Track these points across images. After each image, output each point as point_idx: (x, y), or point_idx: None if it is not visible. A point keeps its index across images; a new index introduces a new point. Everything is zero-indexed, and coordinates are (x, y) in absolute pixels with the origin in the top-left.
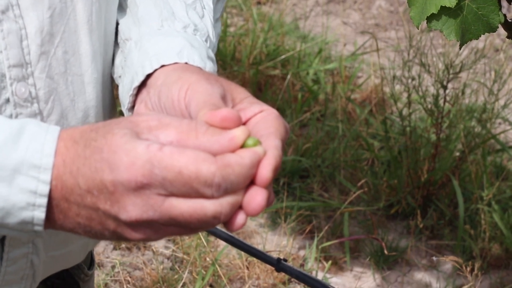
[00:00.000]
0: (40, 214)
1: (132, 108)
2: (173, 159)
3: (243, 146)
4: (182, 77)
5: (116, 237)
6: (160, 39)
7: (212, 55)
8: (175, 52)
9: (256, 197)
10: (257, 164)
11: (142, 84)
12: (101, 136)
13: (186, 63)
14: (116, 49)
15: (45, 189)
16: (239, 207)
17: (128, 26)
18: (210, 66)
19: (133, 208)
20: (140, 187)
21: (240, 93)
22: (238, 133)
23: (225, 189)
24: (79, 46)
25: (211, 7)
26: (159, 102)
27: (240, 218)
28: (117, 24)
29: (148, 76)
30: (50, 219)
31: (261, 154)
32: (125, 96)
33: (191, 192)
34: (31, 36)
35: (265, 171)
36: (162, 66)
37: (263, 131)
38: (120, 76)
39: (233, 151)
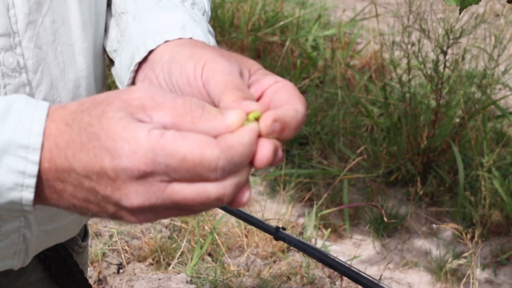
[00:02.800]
0: (28, 195)
1: (132, 84)
2: (176, 145)
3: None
4: (195, 53)
5: (115, 219)
6: (160, 13)
7: (211, 29)
8: (178, 27)
9: (263, 149)
10: (256, 141)
11: (143, 60)
12: (96, 120)
13: (190, 38)
14: (110, 21)
15: (34, 170)
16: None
17: None
18: (212, 42)
19: (135, 196)
20: (142, 176)
21: (253, 65)
22: (234, 118)
23: (229, 171)
24: (68, 15)
25: None
26: (169, 79)
27: (244, 196)
28: None
29: (150, 51)
30: (42, 198)
31: (257, 129)
32: (124, 71)
33: (195, 177)
34: (18, 5)
35: (265, 151)
36: (166, 41)
37: (284, 101)
38: (115, 50)
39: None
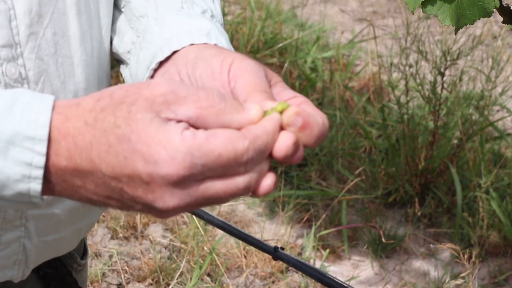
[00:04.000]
0: (36, 186)
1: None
2: (211, 144)
3: None
4: (223, 52)
5: (136, 212)
6: (185, 18)
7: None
8: (204, 33)
9: (284, 138)
10: (278, 129)
11: (165, 59)
12: (123, 122)
13: (215, 44)
14: (119, 25)
15: (41, 161)
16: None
17: (140, 3)
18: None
19: (171, 198)
20: (181, 180)
21: (274, 77)
22: (256, 112)
23: (256, 162)
24: (68, 28)
25: None
26: (193, 73)
27: (266, 182)
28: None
29: (173, 52)
30: (53, 191)
31: (280, 119)
32: (141, 69)
33: (227, 171)
34: (20, 17)
35: (286, 140)
36: (191, 44)
37: (310, 110)
38: (129, 51)
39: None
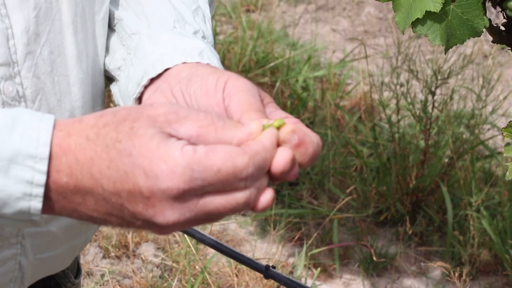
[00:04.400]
0: (37, 204)
1: (139, 98)
2: (210, 159)
3: None
4: (217, 71)
5: (136, 229)
6: (177, 38)
7: None
8: (197, 53)
9: (281, 154)
10: (275, 145)
11: (156, 76)
12: (125, 136)
13: (207, 64)
14: (111, 42)
15: (42, 179)
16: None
17: (133, 21)
18: None
19: (171, 213)
20: (181, 194)
21: (266, 97)
22: (255, 126)
23: (256, 177)
24: (64, 46)
25: (209, 16)
26: (187, 90)
27: (265, 198)
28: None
29: (165, 69)
30: (53, 209)
31: (277, 134)
32: (131, 85)
33: (227, 187)
34: (17, 36)
35: (284, 156)
36: (183, 63)
37: (305, 130)
38: (119, 68)
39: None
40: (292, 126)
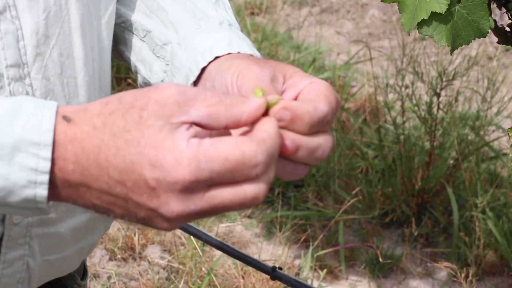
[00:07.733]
0: (42, 192)
1: None
2: (216, 149)
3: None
4: (233, 64)
5: (140, 223)
6: (204, 35)
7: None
8: (226, 44)
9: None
10: (279, 131)
11: (197, 79)
12: (134, 126)
13: (238, 52)
14: (146, 56)
15: (46, 166)
16: None
17: (161, 31)
18: (258, 54)
19: (176, 204)
20: (187, 185)
21: (289, 70)
22: (259, 99)
23: (268, 165)
24: (73, 49)
25: (229, 4)
26: (216, 89)
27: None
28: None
29: (203, 70)
30: (59, 197)
31: (275, 120)
32: None
33: (236, 177)
34: (27, 37)
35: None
36: (216, 58)
37: (312, 96)
38: (163, 80)
39: (258, 118)
40: (283, 103)
